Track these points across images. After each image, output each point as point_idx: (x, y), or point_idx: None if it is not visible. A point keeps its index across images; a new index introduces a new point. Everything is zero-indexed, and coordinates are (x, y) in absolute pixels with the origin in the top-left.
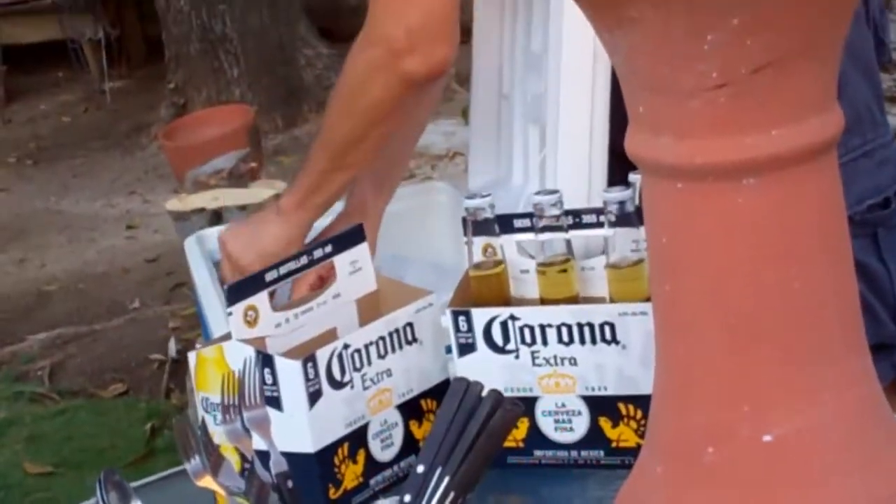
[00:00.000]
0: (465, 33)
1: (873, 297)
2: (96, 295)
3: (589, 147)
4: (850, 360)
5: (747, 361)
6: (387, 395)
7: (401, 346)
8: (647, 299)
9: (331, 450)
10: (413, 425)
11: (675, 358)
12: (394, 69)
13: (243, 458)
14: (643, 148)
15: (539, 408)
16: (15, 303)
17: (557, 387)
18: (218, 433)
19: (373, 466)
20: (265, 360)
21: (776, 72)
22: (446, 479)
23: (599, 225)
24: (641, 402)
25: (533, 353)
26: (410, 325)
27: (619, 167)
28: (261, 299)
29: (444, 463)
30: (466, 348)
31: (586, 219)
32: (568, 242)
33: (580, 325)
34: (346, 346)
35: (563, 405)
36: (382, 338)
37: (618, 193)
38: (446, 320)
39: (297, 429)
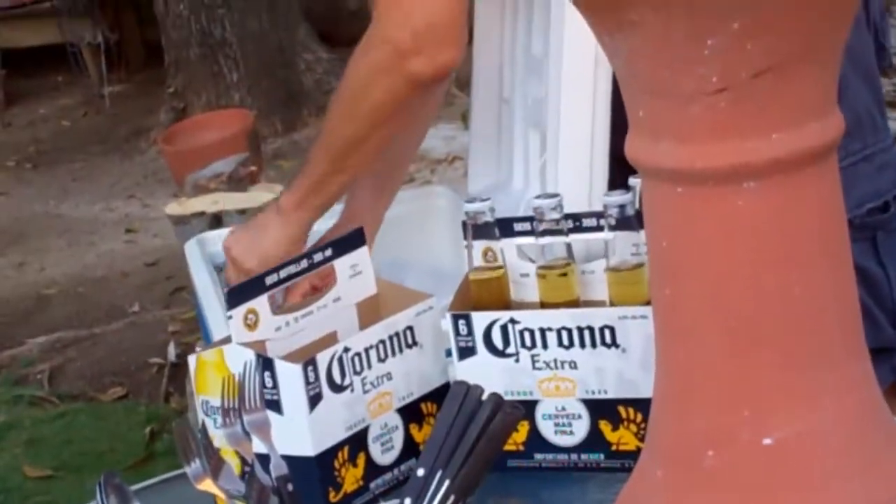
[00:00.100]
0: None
1: (872, 301)
2: (96, 299)
3: (590, 151)
4: (850, 365)
5: (747, 365)
6: (387, 399)
7: (401, 350)
8: (648, 303)
9: (331, 453)
10: (413, 429)
11: (676, 362)
12: (398, 71)
13: (243, 461)
14: (643, 152)
15: (539, 411)
16: (14, 306)
17: (557, 390)
18: (218, 436)
19: (373, 470)
20: (265, 364)
21: (776, 76)
22: (447, 483)
23: (600, 229)
24: (641, 405)
25: (533, 356)
26: (410, 328)
27: (620, 171)
28: (261, 303)
29: (445, 466)
30: (466, 352)
31: (586, 222)
32: (568, 246)
33: (580, 329)
34: (346, 350)
35: (564, 408)
36: (382, 341)
37: (618, 197)
38: (446, 324)
39: (298, 432)
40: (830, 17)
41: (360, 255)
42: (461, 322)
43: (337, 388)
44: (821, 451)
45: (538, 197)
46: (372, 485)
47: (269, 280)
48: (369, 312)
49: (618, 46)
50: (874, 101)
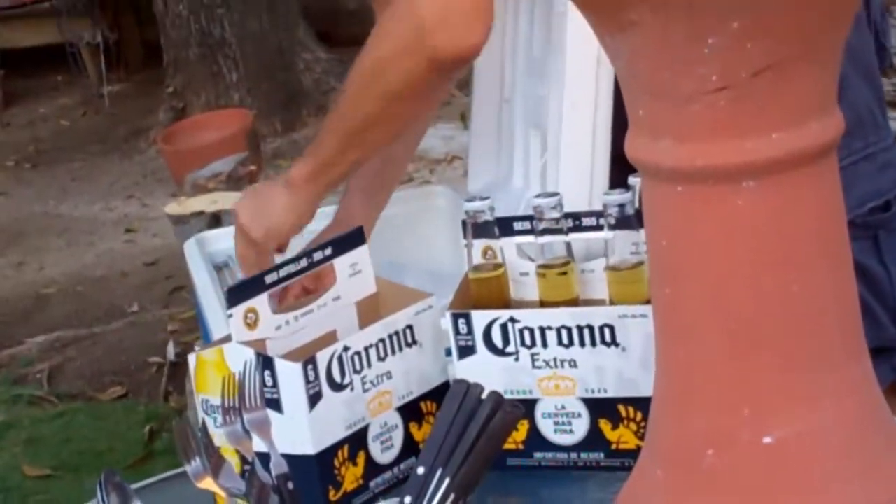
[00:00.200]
0: None
1: (874, 299)
2: (95, 298)
3: (591, 151)
4: (850, 366)
5: (747, 365)
6: (387, 398)
7: (401, 349)
8: (647, 302)
9: (331, 452)
10: (413, 427)
11: (676, 362)
12: (422, 48)
13: (243, 459)
14: (643, 151)
15: (539, 410)
16: (13, 306)
17: (557, 389)
18: (218, 435)
19: (373, 468)
20: (265, 363)
21: (776, 75)
22: (446, 481)
23: (599, 228)
24: (641, 404)
25: (533, 355)
26: (410, 327)
27: (620, 170)
28: (261, 301)
29: (445, 465)
30: (466, 351)
31: (586, 221)
32: (568, 245)
33: (580, 328)
34: (346, 349)
35: (563, 407)
36: (382, 340)
37: (618, 196)
38: (446, 323)
39: (298, 431)
40: (830, 16)
41: (360, 253)
42: (461, 321)
43: (337, 387)
44: (821, 452)
45: (538, 196)
46: (372, 483)
47: (269, 279)
48: (369, 311)
49: (618, 46)
50: (875, 100)
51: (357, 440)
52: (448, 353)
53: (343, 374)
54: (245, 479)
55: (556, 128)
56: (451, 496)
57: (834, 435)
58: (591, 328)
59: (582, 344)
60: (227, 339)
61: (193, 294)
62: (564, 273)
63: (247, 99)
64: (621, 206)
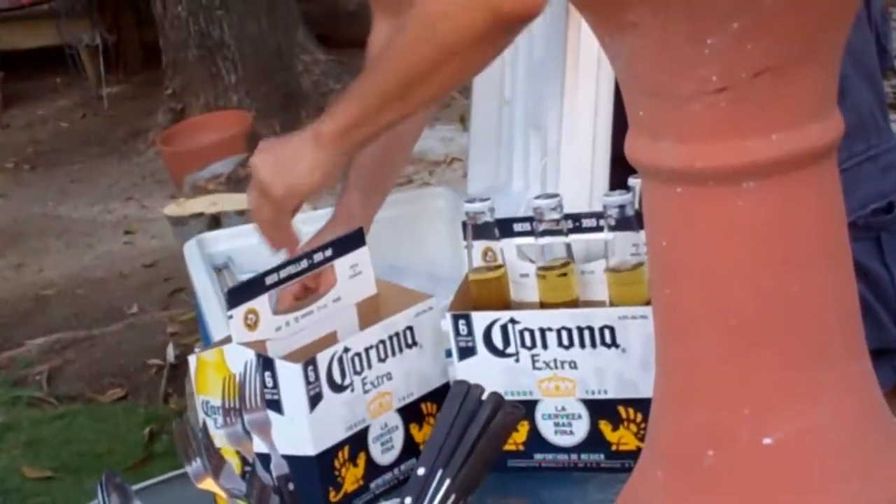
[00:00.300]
0: None
1: (876, 301)
2: (94, 300)
3: (591, 153)
4: (850, 365)
5: (747, 365)
6: (387, 399)
7: (401, 350)
8: (647, 303)
9: (331, 453)
10: (413, 429)
11: (676, 361)
12: (486, 3)
13: (244, 460)
14: (643, 152)
15: (539, 411)
16: (13, 308)
17: (557, 390)
18: (219, 436)
19: (373, 469)
20: (266, 364)
21: (776, 76)
22: (447, 482)
23: (599, 229)
24: (641, 405)
25: (533, 356)
26: (410, 328)
27: (620, 171)
28: (261, 302)
29: (445, 466)
30: (466, 352)
31: (586, 223)
32: (568, 246)
33: (580, 329)
34: (346, 350)
35: (563, 408)
36: (382, 341)
37: (618, 197)
38: (446, 324)
39: (298, 432)
40: (830, 17)
41: (360, 255)
42: (461, 322)
43: (337, 388)
44: (821, 451)
45: (538, 197)
46: (372, 484)
47: (270, 280)
48: (369, 312)
49: (618, 47)
50: (877, 103)
51: (357, 441)
52: (448, 354)
53: (343, 376)
54: (246, 480)
55: (556, 129)
56: (452, 497)
57: (834, 434)
58: (591, 329)
59: (582, 345)
60: (228, 340)
61: (193, 295)
62: (564, 274)
63: (245, 100)
64: (621, 207)
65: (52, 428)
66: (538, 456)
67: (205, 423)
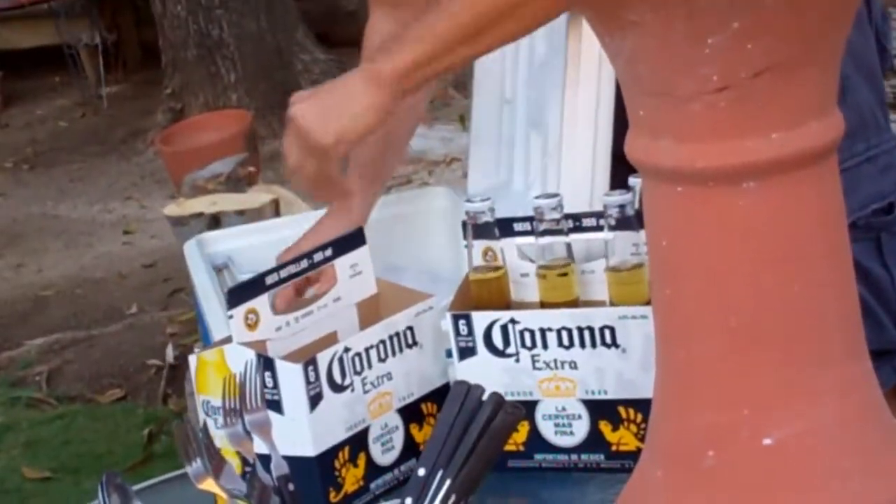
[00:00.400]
0: None
1: (876, 302)
2: (93, 300)
3: (592, 153)
4: (850, 364)
5: (747, 365)
6: (387, 399)
7: (401, 350)
8: (648, 303)
9: (331, 453)
10: (413, 429)
11: (676, 361)
12: None
13: (244, 461)
14: (644, 152)
15: (539, 411)
16: (12, 308)
17: (558, 390)
18: (219, 436)
19: (373, 470)
20: (266, 364)
21: (776, 76)
22: (447, 483)
23: (599, 228)
24: (641, 405)
25: (533, 356)
26: (411, 328)
27: (621, 171)
28: (261, 302)
29: (446, 466)
30: (467, 352)
31: (586, 222)
32: (568, 246)
33: (580, 329)
34: (346, 350)
35: (564, 409)
36: (383, 341)
37: (618, 197)
38: (446, 324)
39: (298, 432)
40: (830, 17)
41: (361, 254)
42: (461, 322)
43: (337, 388)
44: (820, 451)
45: (538, 197)
46: (372, 485)
47: (270, 280)
48: (369, 312)
49: (619, 47)
50: (877, 103)
51: (358, 441)
52: (448, 354)
53: (344, 376)
54: (246, 481)
55: (556, 129)
56: (452, 498)
57: (834, 434)
58: (591, 329)
59: (582, 345)
60: (228, 340)
61: (193, 295)
62: (565, 274)
63: (245, 100)
64: (621, 206)
65: (51, 428)
66: (538, 456)
67: (205, 424)
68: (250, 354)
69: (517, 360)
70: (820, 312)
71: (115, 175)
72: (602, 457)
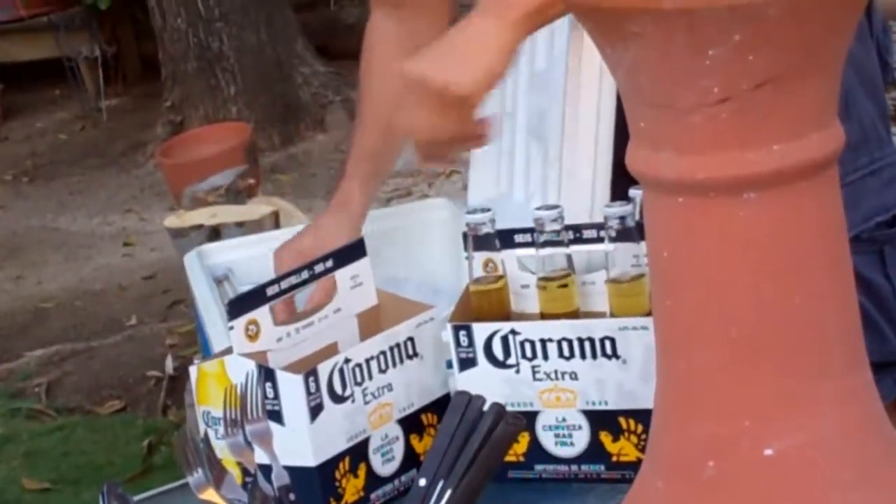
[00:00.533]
0: None
1: (878, 314)
2: (93, 312)
3: (593, 164)
4: (850, 376)
5: (748, 375)
6: (388, 410)
7: (401, 361)
8: (648, 314)
9: (332, 464)
10: (414, 440)
11: (676, 372)
12: None
13: (245, 471)
14: (644, 163)
15: (540, 422)
16: (12, 320)
17: (558, 401)
18: (220, 447)
19: (374, 480)
20: (267, 374)
21: (777, 87)
22: (448, 493)
23: (600, 240)
24: (642, 416)
25: (534, 367)
26: (411, 339)
27: (622, 183)
28: (262, 313)
29: (446, 476)
30: (467, 363)
31: (587, 234)
32: (569, 257)
33: (581, 340)
34: (347, 361)
35: (564, 419)
36: (383, 352)
37: (618, 208)
38: (447, 335)
39: (299, 442)
40: (831, 27)
41: (361, 266)
42: (462, 333)
43: (338, 399)
44: (821, 462)
45: (539, 208)
46: (373, 496)
47: (270, 291)
48: (370, 323)
49: (619, 58)
50: (880, 116)
51: (358, 452)
52: (449, 365)
53: (344, 386)
54: (247, 491)
55: (557, 140)
56: None
57: (834, 445)
58: (591, 340)
59: (583, 356)
60: (229, 351)
61: (193, 307)
62: (565, 285)
63: (245, 112)
64: (622, 218)
65: (50, 440)
66: (539, 467)
67: (206, 434)
68: (251, 365)
69: (517, 371)
70: (821, 324)
71: (114, 187)
72: (602, 467)
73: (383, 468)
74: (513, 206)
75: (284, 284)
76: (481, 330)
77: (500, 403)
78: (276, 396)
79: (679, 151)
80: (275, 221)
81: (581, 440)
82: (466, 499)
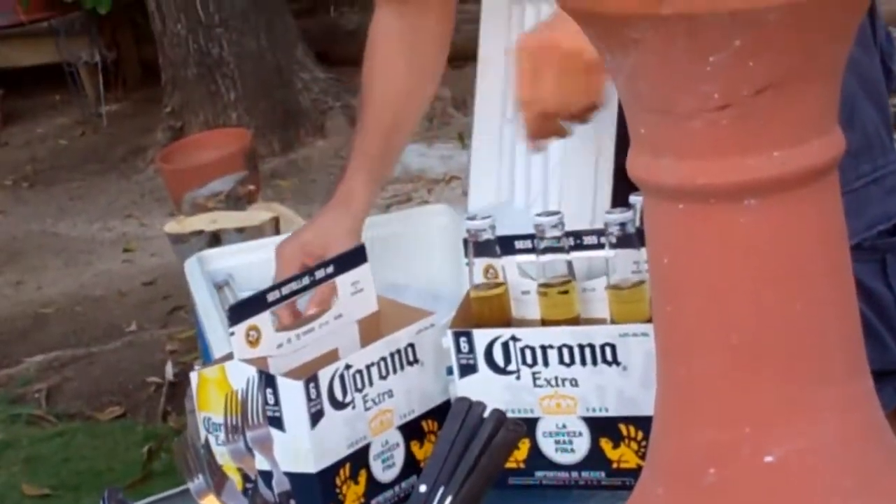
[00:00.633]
0: (469, 58)
1: (880, 322)
2: (93, 318)
3: (594, 170)
4: (851, 382)
5: (749, 382)
6: (388, 416)
7: (402, 367)
8: (649, 320)
9: (332, 470)
10: (414, 446)
11: (677, 379)
12: None
13: (246, 477)
14: (645, 169)
15: (540, 429)
16: (11, 325)
17: (558, 408)
18: (221, 453)
19: (374, 487)
20: (267, 381)
21: (778, 93)
22: (448, 500)
23: (600, 246)
24: (642, 423)
25: (534, 374)
26: (412, 345)
27: (622, 189)
28: (263, 319)
29: (447, 483)
30: (468, 369)
31: (587, 240)
32: (569, 264)
33: (581, 347)
34: (347, 367)
35: (564, 426)
36: (384, 358)
37: (619, 215)
38: (447, 341)
39: (299, 449)
40: (832, 32)
41: (362, 272)
42: (462, 339)
43: (338, 405)
44: (822, 469)
45: (539, 214)
46: (373, 502)
47: (271, 297)
48: (370, 330)
49: (619, 64)
50: (883, 123)
51: (358, 458)
52: (449, 371)
53: (345, 393)
54: (248, 497)
55: (558, 147)
56: None
57: (835, 452)
58: (592, 347)
59: (583, 363)
60: (229, 357)
61: (194, 313)
62: (566, 292)
63: (245, 118)
64: (622, 224)
65: (50, 446)
66: (539, 473)
67: (207, 440)
68: (252, 371)
69: (518, 378)
70: (821, 330)
71: (114, 193)
72: (603, 474)
73: (384, 475)
74: (513, 212)
75: (285, 290)
76: (482, 336)
77: (500, 410)
78: (277, 402)
79: (679, 157)
80: (275, 227)
81: (581, 447)
82: None
